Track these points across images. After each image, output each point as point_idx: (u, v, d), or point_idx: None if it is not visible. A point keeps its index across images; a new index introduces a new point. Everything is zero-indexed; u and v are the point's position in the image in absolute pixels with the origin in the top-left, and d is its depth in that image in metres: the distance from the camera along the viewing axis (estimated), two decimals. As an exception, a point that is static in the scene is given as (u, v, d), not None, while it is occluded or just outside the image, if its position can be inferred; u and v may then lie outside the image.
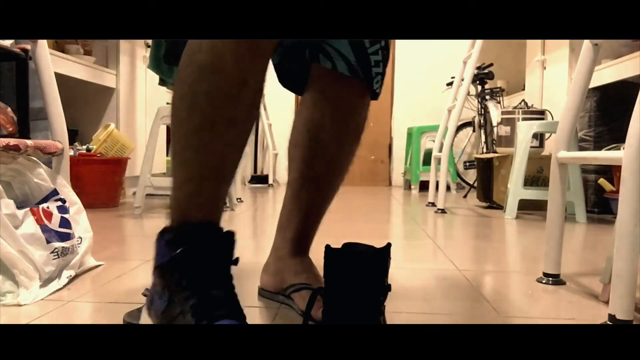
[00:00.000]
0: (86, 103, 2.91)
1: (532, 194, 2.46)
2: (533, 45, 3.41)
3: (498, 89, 3.73)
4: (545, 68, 3.15)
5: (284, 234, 0.95)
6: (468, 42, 2.84)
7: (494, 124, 3.28)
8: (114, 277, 1.16)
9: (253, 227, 2.11)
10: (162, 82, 3.29)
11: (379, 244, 0.67)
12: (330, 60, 0.79)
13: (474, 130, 3.99)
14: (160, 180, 2.40)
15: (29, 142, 1.15)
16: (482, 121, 3.71)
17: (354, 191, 4.18)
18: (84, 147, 2.59)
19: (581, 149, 2.57)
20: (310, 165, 0.89)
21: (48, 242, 1.05)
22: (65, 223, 1.13)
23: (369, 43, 0.77)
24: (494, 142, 2.95)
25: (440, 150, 2.86)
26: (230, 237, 0.65)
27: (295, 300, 0.90)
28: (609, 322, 0.84)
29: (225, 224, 0.66)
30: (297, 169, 0.91)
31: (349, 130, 0.85)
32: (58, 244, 1.07)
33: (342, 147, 0.87)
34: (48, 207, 1.12)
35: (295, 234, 0.94)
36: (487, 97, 3.65)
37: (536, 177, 2.69)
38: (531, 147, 2.49)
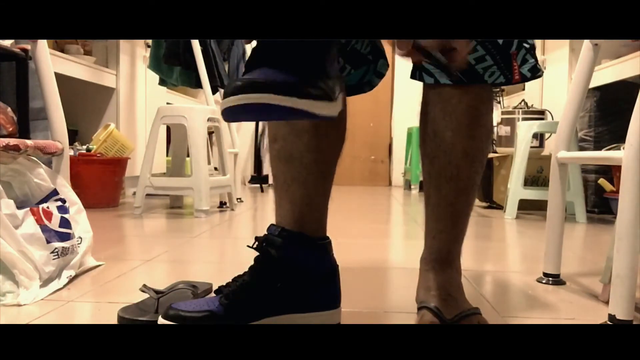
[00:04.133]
0: (86, 103, 2.91)
1: (532, 194, 2.46)
2: (533, 45, 3.40)
3: (498, 89, 3.73)
4: (545, 68, 3.15)
5: (425, 241, 0.90)
6: (468, 42, 2.83)
7: (494, 124, 3.27)
8: (114, 277, 1.16)
9: (253, 226, 2.11)
10: (162, 82, 3.30)
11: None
12: (431, 76, 0.80)
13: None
14: (160, 180, 2.40)
15: (29, 142, 1.15)
16: (482, 121, 3.71)
17: (354, 191, 4.19)
18: (84, 147, 2.59)
19: (581, 149, 2.57)
20: (432, 158, 0.84)
21: (48, 242, 1.05)
22: (65, 223, 1.13)
23: None
24: (494, 142, 2.95)
25: (440, 150, 2.85)
26: None
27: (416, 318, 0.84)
28: (609, 322, 0.84)
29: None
30: (424, 169, 0.87)
31: (469, 123, 0.81)
32: (58, 244, 1.07)
33: (461, 138, 0.82)
34: (48, 207, 1.12)
35: (431, 240, 0.88)
36: (487, 97, 3.65)
37: (536, 177, 2.69)
38: (531, 147, 2.49)
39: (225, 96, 0.60)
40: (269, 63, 0.62)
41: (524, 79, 0.80)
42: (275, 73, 0.60)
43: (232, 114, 0.60)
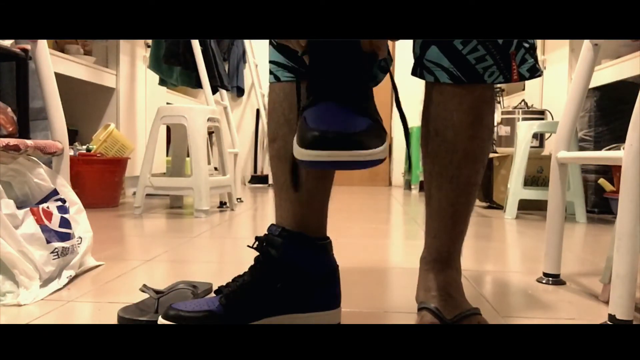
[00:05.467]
0: (86, 103, 2.91)
1: (532, 194, 2.46)
2: (533, 45, 3.40)
3: (498, 89, 3.73)
4: (545, 68, 3.15)
5: (426, 241, 0.89)
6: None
7: (494, 123, 3.27)
8: (114, 277, 1.16)
9: (253, 226, 2.11)
10: (162, 82, 3.30)
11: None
12: (431, 74, 0.80)
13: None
14: (160, 180, 2.40)
15: (29, 142, 1.15)
16: (482, 121, 3.70)
17: (354, 191, 4.18)
18: (84, 147, 2.59)
19: (581, 149, 2.57)
20: (433, 157, 0.84)
21: (48, 242, 1.05)
22: (65, 223, 1.13)
23: (462, 45, 0.77)
24: (494, 142, 2.95)
25: (440, 150, 2.85)
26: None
27: (416, 319, 0.83)
28: (609, 322, 0.84)
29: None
30: (425, 168, 0.87)
31: (471, 122, 0.81)
32: (58, 244, 1.07)
33: (463, 137, 0.82)
34: (48, 207, 1.12)
35: (431, 240, 0.88)
36: (487, 97, 3.64)
37: (536, 177, 2.69)
38: (531, 147, 2.49)
39: (306, 143, 0.61)
40: (335, 98, 0.66)
41: (522, 79, 0.80)
42: (348, 115, 0.64)
43: (318, 166, 0.64)
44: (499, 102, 3.67)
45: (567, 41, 2.84)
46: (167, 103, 3.33)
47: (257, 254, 0.81)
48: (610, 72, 2.34)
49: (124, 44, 2.99)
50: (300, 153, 0.63)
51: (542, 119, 2.73)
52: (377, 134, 0.65)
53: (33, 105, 1.58)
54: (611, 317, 0.83)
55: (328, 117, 0.63)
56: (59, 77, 1.59)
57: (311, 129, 0.62)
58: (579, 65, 1.15)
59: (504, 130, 2.86)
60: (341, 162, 0.61)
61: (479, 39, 0.76)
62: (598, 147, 2.58)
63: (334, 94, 0.66)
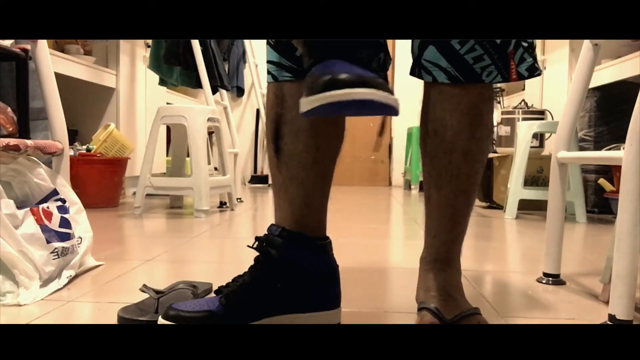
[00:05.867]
0: (86, 103, 2.91)
1: (532, 194, 2.46)
2: (533, 45, 3.40)
3: (498, 89, 3.73)
4: (545, 68, 3.15)
5: (425, 241, 0.89)
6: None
7: (494, 123, 3.27)
8: (114, 277, 1.16)
9: (253, 226, 2.11)
10: (162, 82, 3.30)
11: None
12: (429, 74, 0.80)
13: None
14: (160, 180, 2.40)
15: (29, 142, 1.15)
16: (482, 121, 3.70)
17: (354, 191, 4.19)
18: (84, 147, 2.59)
19: (581, 149, 2.57)
20: (432, 157, 0.84)
21: (48, 242, 1.05)
22: (65, 223, 1.13)
23: (459, 44, 0.76)
24: (494, 142, 2.95)
25: (440, 150, 2.85)
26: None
27: (416, 319, 0.83)
28: (609, 322, 0.84)
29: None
30: (424, 168, 0.87)
31: (469, 122, 0.81)
32: (58, 244, 1.07)
33: (462, 137, 0.81)
34: (48, 207, 1.12)
35: (431, 240, 0.88)
36: (487, 97, 3.64)
37: (536, 177, 2.69)
38: (531, 147, 2.49)
39: (321, 87, 0.58)
40: (342, 56, 0.63)
41: (521, 78, 0.80)
42: (357, 67, 0.61)
43: (332, 109, 0.59)
44: (499, 102, 3.67)
45: (567, 41, 2.84)
46: (167, 103, 3.33)
47: (257, 254, 0.81)
48: (610, 72, 2.34)
49: (124, 44, 2.99)
50: (313, 100, 0.59)
51: (542, 119, 2.73)
52: (389, 88, 0.62)
53: (33, 105, 1.59)
54: (611, 317, 0.83)
55: (339, 66, 0.61)
56: (59, 77, 1.59)
57: (324, 74, 0.59)
58: (579, 65, 1.15)
59: (504, 130, 2.86)
60: (357, 103, 0.58)
61: (476, 39, 0.76)
62: (598, 147, 2.58)
63: (340, 53, 0.64)
